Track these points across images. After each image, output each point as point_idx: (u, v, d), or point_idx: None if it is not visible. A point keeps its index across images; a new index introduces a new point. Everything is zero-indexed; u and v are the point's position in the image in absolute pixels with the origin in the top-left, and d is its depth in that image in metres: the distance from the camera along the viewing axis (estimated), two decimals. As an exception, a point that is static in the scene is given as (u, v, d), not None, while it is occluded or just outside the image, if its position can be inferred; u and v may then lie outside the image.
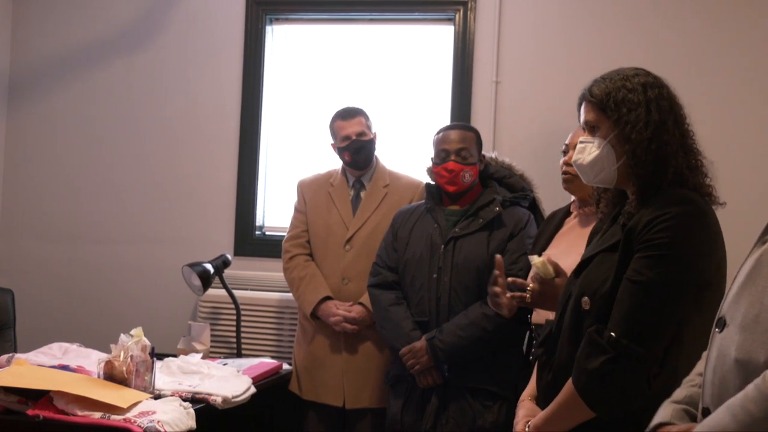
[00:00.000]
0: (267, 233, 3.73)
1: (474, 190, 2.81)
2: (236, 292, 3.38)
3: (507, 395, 2.55)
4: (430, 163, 2.86)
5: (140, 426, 2.04)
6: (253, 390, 2.62)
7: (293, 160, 3.72)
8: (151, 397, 2.29)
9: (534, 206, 2.89)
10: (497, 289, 2.06)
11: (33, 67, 3.91)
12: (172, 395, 2.36)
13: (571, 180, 2.38)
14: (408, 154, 3.53)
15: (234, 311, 3.35)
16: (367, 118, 3.12)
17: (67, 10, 3.88)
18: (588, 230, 1.98)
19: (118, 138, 3.82)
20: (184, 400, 2.33)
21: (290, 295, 3.19)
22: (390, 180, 3.13)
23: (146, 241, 3.76)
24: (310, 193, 3.16)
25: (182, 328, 3.39)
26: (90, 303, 3.77)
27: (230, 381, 2.59)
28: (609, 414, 1.65)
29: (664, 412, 1.38)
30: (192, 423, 2.21)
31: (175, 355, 2.88)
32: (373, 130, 3.13)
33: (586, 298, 1.71)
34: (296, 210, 3.20)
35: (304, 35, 3.77)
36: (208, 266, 3.30)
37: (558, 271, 1.94)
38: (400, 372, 2.73)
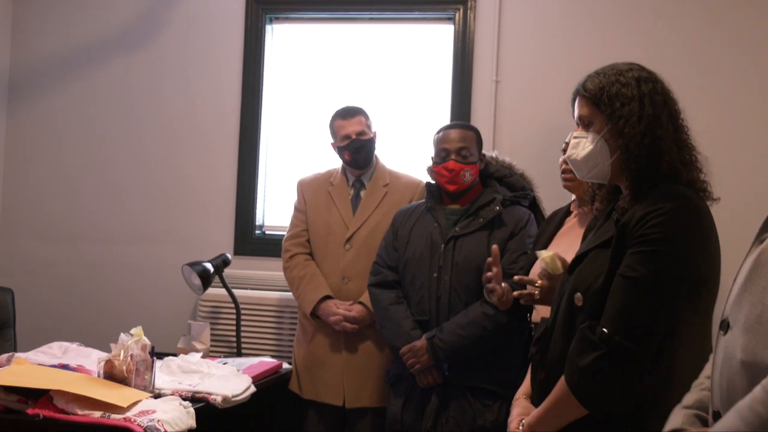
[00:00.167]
0: (267, 232, 3.72)
1: (474, 189, 2.81)
2: (236, 292, 3.38)
3: (507, 394, 2.54)
4: (430, 163, 2.87)
5: (140, 425, 2.04)
6: (253, 389, 2.62)
7: (293, 160, 3.72)
8: (151, 397, 2.29)
9: (534, 205, 2.89)
10: (490, 274, 2.06)
11: (33, 67, 3.91)
12: (172, 394, 2.36)
13: (570, 179, 2.38)
14: (408, 154, 3.53)
15: (234, 310, 3.35)
16: (367, 117, 3.12)
17: (67, 10, 3.88)
18: (587, 229, 1.97)
19: (118, 137, 3.82)
20: (184, 399, 2.33)
21: (290, 294, 3.19)
22: (390, 179, 3.13)
23: (146, 240, 3.76)
24: (310, 192, 3.16)
25: (182, 328, 3.39)
26: (90, 302, 3.78)
27: (230, 380, 2.59)
28: (601, 411, 1.64)
29: (675, 419, 1.37)
30: (192, 422, 2.21)
31: (175, 355, 2.88)
32: (373, 130, 3.13)
33: (578, 294, 1.70)
34: (296, 209, 3.20)
35: (304, 34, 3.77)
36: (208, 265, 3.30)
37: (566, 266, 1.92)
38: (401, 371, 2.73)
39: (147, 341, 2.39)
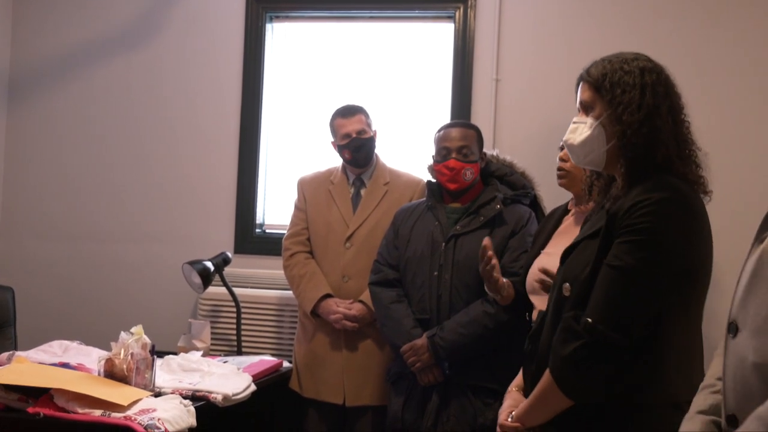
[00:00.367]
0: (267, 231, 3.72)
1: (475, 187, 2.81)
2: (236, 290, 3.38)
3: (508, 393, 2.55)
4: (430, 161, 2.87)
5: (141, 423, 2.04)
6: (253, 388, 2.62)
7: (293, 158, 3.71)
8: (152, 395, 2.29)
9: (535, 204, 2.89)
10: (489, 267, 2.07)
11: (33, 67, 3.91)
12: (172, 393, 2.36)
13: (564, 176, 2.39)
14: (408, 152, 3.53)
15: (234, 309, 3.35)
16: (367, 115, 3.12)
17: (67, 10, 3.88)
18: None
19: (118, 137, 3.81)
20: (185, 397, 2.33)
21: (290, 292, 3.19)
22: (390, 178, 3.13)
23: (146, 239, 3.76)
24: (311, 190, 3.16)
25: (182, 326, 3.38)
26: (90, 301, 3.77)
27: (230, 379, 2.59)
28: (583, 400, 1.62)
29: (692, 425, 1.36)
30: (192, 421, 2.21)
31: (175, 353, 2.88)
32: (374, 128, 3.13)
33: (567, 284, 1.69)
34: (296, 208, 3.20)
35: (304, 33, 3.77)
36: (209, 264, 3.30)
37: None
38: (401, 369, 2.73)
39: (147, 340, 2.39)
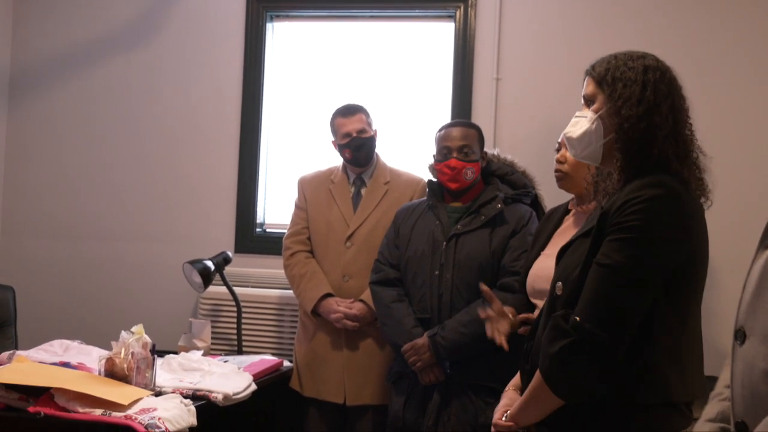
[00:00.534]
0: (268, 230, 3.72)
1: (476, 187, 2.81)
2: (237, 289, 3.38)
3: (509, 392, 2.55)
4: (431, 160, 2.86)
5: (141, 423, 2.04)
6: (253, 387, 2.62)
7: (294, 157, 3.72)
8: (152, 394, 2.29)
9: (536, 203, 2.89)
10: (495, 300, 2.08)
11: (33, 67, 3.91)
12: (173, 392, 2.36)
13: (561, 177, 2.38)
14: (408, 151, 3.52)
15: (235, 308, 3.35)
16: (367, 115, 3.11)
17: (67, 9, 3.88)
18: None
19: (118, 137, 3.81)
20: (185, 397, 2.33)
21: (291, 292, 3.19)
22: (391, 177, 3.13)
23: (147, 238, 3.76)
24: (311, 190, 3.16)
25: (183, 325, 3.38)
26: (91, 300, 3.78)
27: (231, 378, 2.59)
28: (571, 399, 1.61)
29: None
30: (193, 420, 2.21)
31: (176, 352, 2.88)
32: (374, 127, 3.12)
33: (559, 283, 1.69)
34: (297, 207, 3.20)
35: (304, 32, 3.77)
36: (209, 263, 3.30)
37: None
38: (402, 369, 2.73)
39: (148, 339, 2.39)
